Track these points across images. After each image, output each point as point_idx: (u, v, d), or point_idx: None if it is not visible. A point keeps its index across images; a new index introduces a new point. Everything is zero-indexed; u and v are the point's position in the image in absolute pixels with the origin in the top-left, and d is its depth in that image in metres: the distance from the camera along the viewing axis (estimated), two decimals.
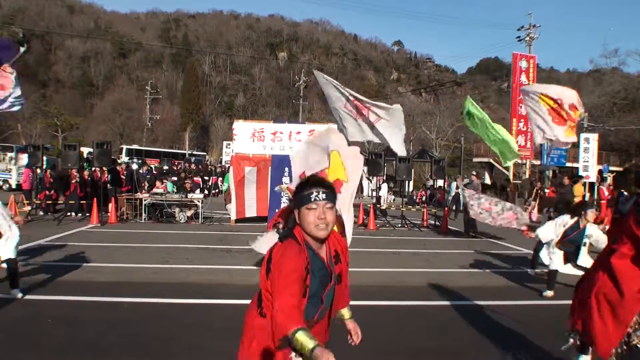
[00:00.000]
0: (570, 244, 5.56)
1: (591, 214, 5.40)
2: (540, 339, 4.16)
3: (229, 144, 26.97)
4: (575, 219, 5.47)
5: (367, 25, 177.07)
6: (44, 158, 13.31)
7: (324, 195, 1.87)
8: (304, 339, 1.68)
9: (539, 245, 6.46)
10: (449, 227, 12.42)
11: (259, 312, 2.02)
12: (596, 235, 5.38)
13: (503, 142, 9.93)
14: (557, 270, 5.63)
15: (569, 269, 5.64)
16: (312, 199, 1.85)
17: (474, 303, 5.33)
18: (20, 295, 4.78)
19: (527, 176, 28.84)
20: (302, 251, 1.87)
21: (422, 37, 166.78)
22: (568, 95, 8.73)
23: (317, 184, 1.92)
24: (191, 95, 59.01)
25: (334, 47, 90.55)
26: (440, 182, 19.26)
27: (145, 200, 12.09)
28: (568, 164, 27.42)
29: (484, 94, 75.21)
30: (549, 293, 5.71)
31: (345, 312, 2.30)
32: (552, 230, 5.65)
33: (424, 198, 23.12)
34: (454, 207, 16.02)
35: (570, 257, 5.63)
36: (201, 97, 62.21)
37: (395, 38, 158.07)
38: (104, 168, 12.64)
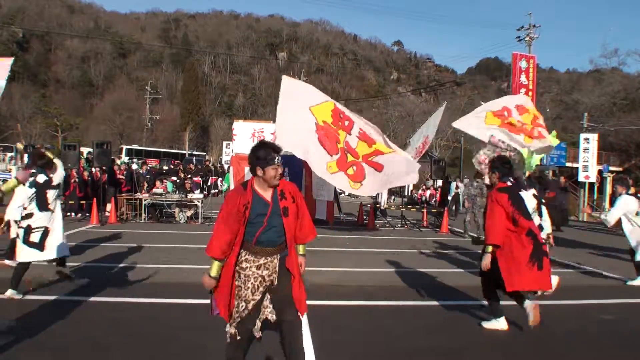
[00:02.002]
0: None
1: None
2: (540, 339, 4.16)
3: (229, 144, 26.95)
4: None
5: (367, 25, 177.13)
6: None
7: (280, 159, 2.79)
8: (213, 264, 2.81)
9: None
10: (448, 227, 12.43)
11: None
12: None
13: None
14: None
15: None
16: (276, 162, 2.76)
17: (474, 303, 5.33)
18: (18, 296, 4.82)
19: (527, 176, 28.84)
20: (242, 194, 2.80)
21: (422, 37, 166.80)
22: (514, 100, 8.70)
23: (275, 149, 2.81)
24: (191, 95, 58.96)
25: (333, 47, 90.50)
26: (440, 182, 19.28)
27: (145, 200, 12.09)
28: (568, 164, 27.41)
29: (483, 94, 75.18)
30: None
31: (300, 248, 3.10)
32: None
33: (423, 198, 23.13)
34: (453, 207, 16.03)
35: None
36: (201, 97, 62.16)
37: (395, 38, 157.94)
38: (104, 168, 12.64)
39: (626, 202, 6.16)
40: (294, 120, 7.48)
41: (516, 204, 4.13)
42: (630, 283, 6.40)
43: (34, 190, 4.81)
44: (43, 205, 4.86)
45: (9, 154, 24.19)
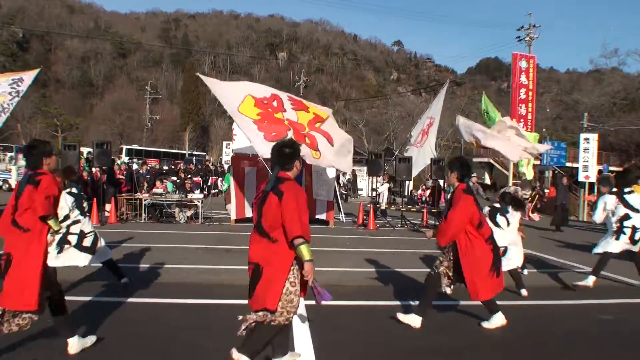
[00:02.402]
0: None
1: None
2: (540, 339, 4.16)
3: (229, 144, 26.93)
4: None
5: (367, 25, 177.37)
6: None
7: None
8: (305, 248, 2.84)
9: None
10: None
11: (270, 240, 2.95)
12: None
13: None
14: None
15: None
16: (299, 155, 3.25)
17: (474, 303, 5.32)
18: None
19: (528, 177, 28.84)
20: (298, 185, 3.14)
21: (422, 37, 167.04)
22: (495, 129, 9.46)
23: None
24: (191, 95, 58.97)
25: (333, 47, 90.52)
26: (440, 182, 19.25)
27: (145, 200, 12.09)
28: (568, 164, 27.40)
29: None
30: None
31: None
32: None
33: (423, 198, 23.12)
34: None
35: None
36: (201, 97, 62.14)
37: (395, 38, 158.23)
38: (104, 168, 12.63)
39: (604, 201, 6.24)
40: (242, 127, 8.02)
41: (479, 207, 4.17)
42: (577, 284, 6.22)
43: (73, 198, 4.99)
44: (83, 212, 5.07)
45: (9, 154, 24.19)
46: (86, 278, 5.79)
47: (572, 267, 7.76)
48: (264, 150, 7.21)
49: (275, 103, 8.19)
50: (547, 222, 14.57)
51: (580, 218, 20.22)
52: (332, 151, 7.76)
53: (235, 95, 8.17)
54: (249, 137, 8.03)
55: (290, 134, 7.72)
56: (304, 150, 7.39)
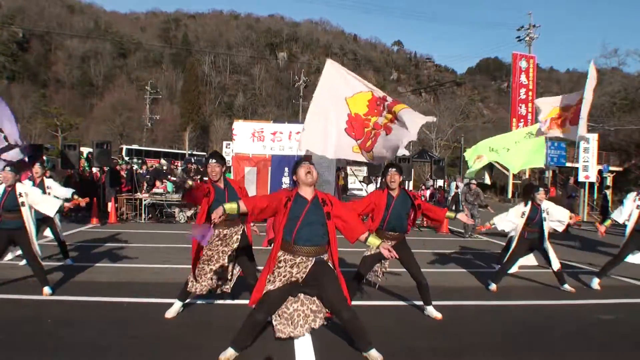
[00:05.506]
0: (536, 228, 5.94)
1: (539, 194, 5.94)
2: (540, 339, 4.16)
3: (229, 144, 26.90)
4: (530, 203, 5.94)
5: (367, 25, 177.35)
6: (44, 158, 13.30)
7: (308, 161, 3.55)
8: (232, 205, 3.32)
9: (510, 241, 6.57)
10: (448, 227, 12.43)
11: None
12: (550, 206, 6.03)
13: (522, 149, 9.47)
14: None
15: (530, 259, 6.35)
16: (302, 162, 3.49)
17: (474, 303, 5.33)
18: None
19: (527, 176, 28.85)
20: (286, 192, 3.50)
21: (422, 37, 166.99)
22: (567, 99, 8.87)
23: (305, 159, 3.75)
24: (191, 95, 58.98)
25: (333, 47, 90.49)
26: (440, 182, 19.27)
27: (145, 200, 12.09)
28: (568, 164, 27.38)
29: (483, 94, 75.23)
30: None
31: (373, 240, 3.55)
32: (512, 220, 6.04)
33: (423, 198, 23.10)
34: (453, 207, 15.99)
35: (535, 243, 6.01)
36: (201, 97, 62.19)
37: (395, 38, 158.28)
38: (105, 168, 12.64)
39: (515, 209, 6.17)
40: (326, 111, 6.73)
41: None
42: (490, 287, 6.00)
43: None
44: None
45: None
46: (87, 278, 5.79)
47: (573, 267, 7.76)
48: (320, 147, 6.68)
49: (383, 105, 7.49)
50: None
51: (580, 218, 20.21)
52: (385, 143, 7.02)
53: (356, 86, 7.06)
54: (323, 127, 6.76)
55: (356, 144, 7.15)
56: (360, 156, 7.09)
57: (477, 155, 9.62)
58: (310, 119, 6.83)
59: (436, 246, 9.68)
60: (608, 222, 6.35)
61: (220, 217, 3.21)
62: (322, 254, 3.45)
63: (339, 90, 7.29)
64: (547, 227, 5.99)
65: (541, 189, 6.03)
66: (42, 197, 5.25)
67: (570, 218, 6.15)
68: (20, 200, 4.97)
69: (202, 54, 76.61)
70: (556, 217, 6.08)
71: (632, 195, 6.20)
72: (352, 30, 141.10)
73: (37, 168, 6.49)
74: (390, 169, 4.69)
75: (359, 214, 4.52)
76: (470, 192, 11.63)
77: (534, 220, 5.90)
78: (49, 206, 5.24)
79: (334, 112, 7.04)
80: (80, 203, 5.72)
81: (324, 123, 6.87)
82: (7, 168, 5.06)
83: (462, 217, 4.80)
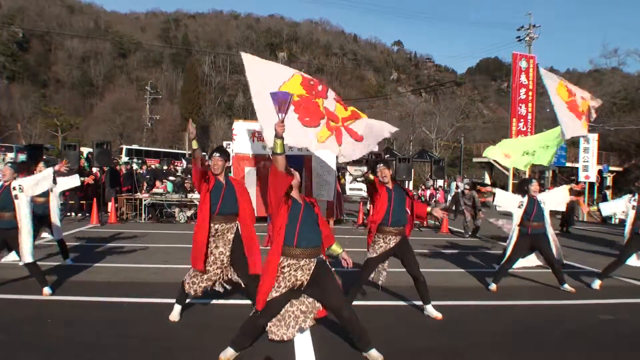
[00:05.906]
0: (539, 222, 5.91)
1: (532, 186, 6.00)
2: (540, 339, 4.16)
3: (229, 144, 26.92)
4: (526, 196, 5.97)
5: (367, 25, 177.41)
6: (44, 158, 13.30)
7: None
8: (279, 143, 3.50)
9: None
10: (448, 227, 12.43)
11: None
12: (545, 195, 6.16)
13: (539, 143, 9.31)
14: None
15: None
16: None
17: (474, 303, 5.33)
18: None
19: (527, 176, 28.83)
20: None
21: (422, 37, 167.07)
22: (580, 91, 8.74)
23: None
24: (191, 95, 58.93)
25: (333, 47, 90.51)
26: (440, 182, 19.28)
27: (145, 200, 12.09)
28: (568, 164, 27.38)
29: (484, 94, 75.20)
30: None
31: (336, 248, 3.72)
32: (510, 202, 6.08)
33: (423, 198, 23.09)
34: (453, 207, 15.99)
35: (538, 242, 5.96)
36: (201, 97, 62.12)
37: (395, 38, 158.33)
38: (105, 168, 12.64)
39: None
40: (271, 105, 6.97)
41: None
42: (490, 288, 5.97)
43: None
44: None
45: (9, 154, 24.15)
46: (87, 278, 5.79)
47: (573, 267, 7.75)
48: (298, 138, 6.82)
49: (320, 87, 7.69)
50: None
51: (580, 218, 20.21)
52: (358, 147, 7.28)
53: (283, 73, 7.49)
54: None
55: (322, 124, 7.26)
56: (331, 144, 7.13)
57: (504, 153, 9.48)
58: (263, 115, 6.88)
59: (436, 246, 9.68)
60: (595, 208, 6.61)
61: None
62: (321, 254, 3.50)
63: (270, 80, 7.31)
64: (547, 215, 6.05)
65: (534, 180, 6.12)
66: (35, 178, 5.17)
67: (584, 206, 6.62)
68: (13, 193, 4.91)
69: (202, 54, 76.61)
70: (554, 200, 6.20)
71: (627, 197, 6.28)
72: (352, 30, 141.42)
73: (41, 167, 6.44)
74: (378, 166, 4.79)
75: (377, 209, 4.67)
76: (467, 197, 11.84)
77: (534, 213, 5.87)
78: (46, 181, 5.17)
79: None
80: (61, 168, 5.38)
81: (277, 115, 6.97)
82: (8, 165, 5.05)
83: (437, 212, 4.97)
